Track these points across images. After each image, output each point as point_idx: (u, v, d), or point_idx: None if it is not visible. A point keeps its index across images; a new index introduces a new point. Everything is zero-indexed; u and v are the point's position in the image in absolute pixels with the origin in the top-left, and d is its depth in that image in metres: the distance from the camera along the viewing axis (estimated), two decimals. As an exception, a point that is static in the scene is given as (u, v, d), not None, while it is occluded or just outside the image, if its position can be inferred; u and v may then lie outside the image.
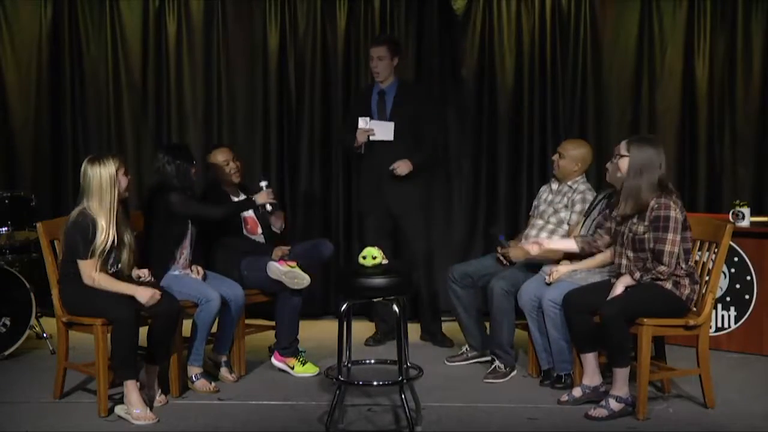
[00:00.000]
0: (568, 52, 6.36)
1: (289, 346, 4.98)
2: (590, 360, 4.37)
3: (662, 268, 4.14)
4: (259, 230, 5.16)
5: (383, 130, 5.42)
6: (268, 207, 5.03)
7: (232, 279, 4.88)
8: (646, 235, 4.18)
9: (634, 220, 4.22)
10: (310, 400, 4.51)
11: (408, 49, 6.33)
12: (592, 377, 4.38)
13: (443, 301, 5.92)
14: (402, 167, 5.42)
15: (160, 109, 6.48)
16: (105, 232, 4.22)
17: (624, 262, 4.28)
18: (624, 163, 4.26)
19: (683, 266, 4.18)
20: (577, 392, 4.41)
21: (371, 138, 5.43)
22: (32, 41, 6.45)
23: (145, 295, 4.25)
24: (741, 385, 4.74)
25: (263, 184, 5.03)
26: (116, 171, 4.27)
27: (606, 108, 6.40)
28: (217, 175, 5.11)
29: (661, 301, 4.20)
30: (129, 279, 4.40)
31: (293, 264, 4.85)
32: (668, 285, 4.19)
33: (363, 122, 5.44)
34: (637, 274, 4.19)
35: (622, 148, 4.29)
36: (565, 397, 4.44)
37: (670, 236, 4.13)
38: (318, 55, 6.41)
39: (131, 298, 4.24)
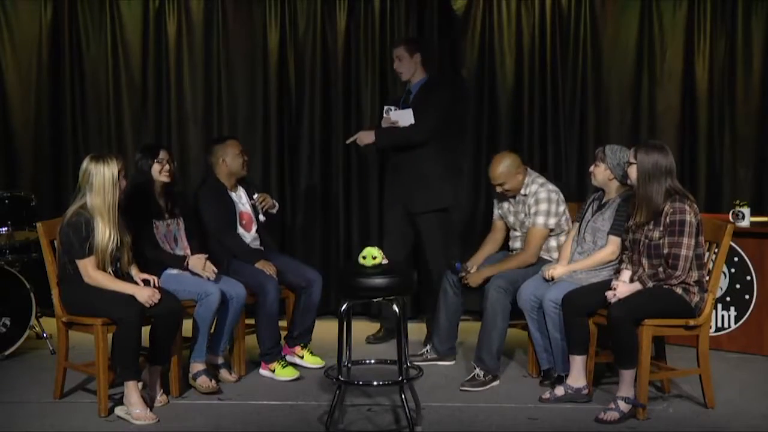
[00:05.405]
0: (568, 52, 6.35)
1: (269, 353, 4.93)
2: (578, 362, 4.39)
3: (677, 273, 4.12)
4: (254, 228, 5.15)
5: (405, 117, 5.35)
6: (261, 217, 5.19)
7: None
8: (661, 241, 4.17)
9: (650, 227, 4.20)
10: (310, 400, 4.51)
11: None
12: (577, 379, 4.41)
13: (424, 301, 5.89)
14: (363, 137, 5.43)
15: (160, 109, 6.48)
16: (106, 232, 4.22)
17: (639, 270, 4.24)
18: (633, 171, 4.25)
19: (695, 274, 4.17)
20: (559, 391, 4.43)
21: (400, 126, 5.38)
22: (32, 41, 6.44)
23: (143, 294, 4.25)
24: (741, 385, 4.74)
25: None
26: (118, 172, 4.27)
27: (606, 108, 6.39)
28: (224, 168, 5.06)
29: (671, 305, 4.18)
30: (128, 278, 4.40)
31: (301, 353, 5.09)
32: (678, 290, 4.18)
33: (386, 112, 5.43)
34: (650, 284, 4.17)
35: (630, 155, 4.29)
36: (547, 395, 4.45)
37: (685, 240, 4.11)
38: (318, 55, 6.40)
39: (135, 298, 4.23)
